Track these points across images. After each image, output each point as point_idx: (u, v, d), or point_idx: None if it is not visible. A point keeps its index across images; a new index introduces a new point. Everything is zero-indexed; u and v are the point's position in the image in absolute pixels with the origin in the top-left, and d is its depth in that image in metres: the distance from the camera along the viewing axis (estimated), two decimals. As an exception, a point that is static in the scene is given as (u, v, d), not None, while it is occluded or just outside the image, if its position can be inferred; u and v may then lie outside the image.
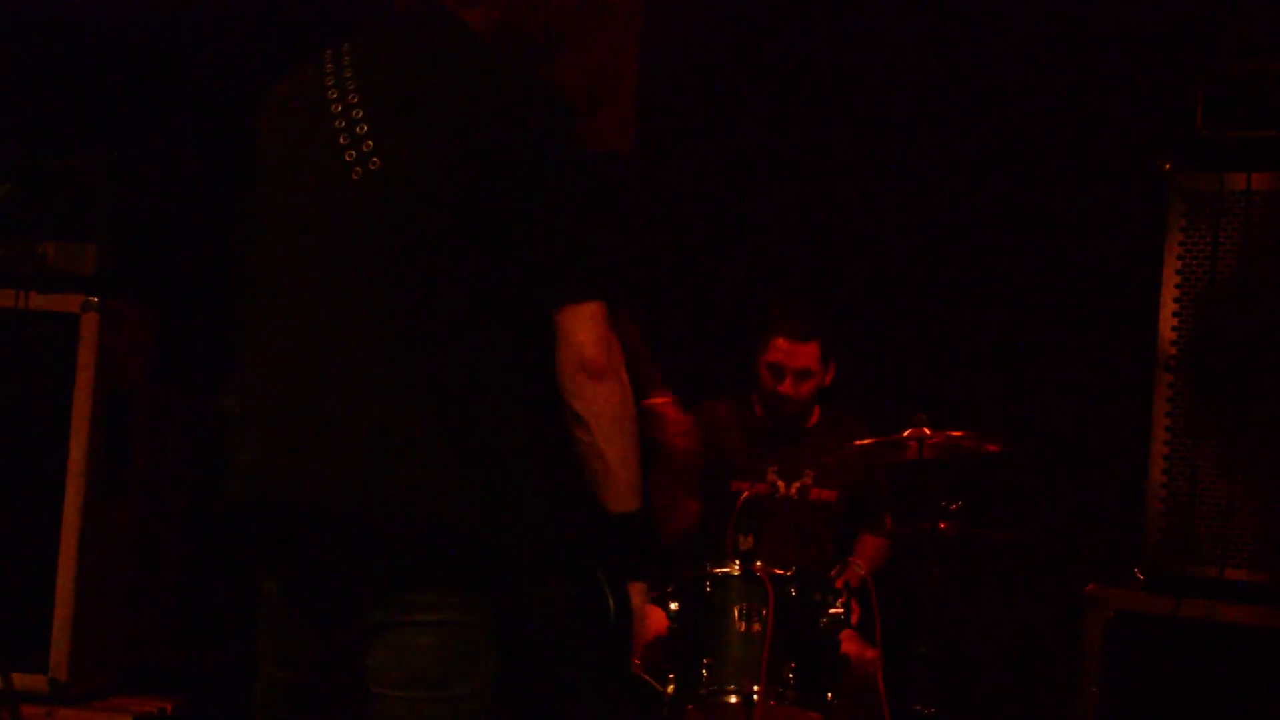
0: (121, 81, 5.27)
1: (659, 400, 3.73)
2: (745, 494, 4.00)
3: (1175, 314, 3.51)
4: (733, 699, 3.68)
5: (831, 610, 3.82)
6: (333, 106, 2.44)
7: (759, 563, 3.81)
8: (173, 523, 4.68)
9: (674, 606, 3.83)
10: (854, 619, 4.07)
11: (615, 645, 2.47)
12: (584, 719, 2.60)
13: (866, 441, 4.24)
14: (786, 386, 4.46)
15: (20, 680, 3.89)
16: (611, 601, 2.44)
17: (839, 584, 3.97)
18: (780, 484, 4.53)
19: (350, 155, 2.40)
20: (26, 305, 4.12)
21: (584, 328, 2.37)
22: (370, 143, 2.40)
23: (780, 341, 4.46)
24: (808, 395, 4.52)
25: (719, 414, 4.67)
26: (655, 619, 3.85)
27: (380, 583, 2.35)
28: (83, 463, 4.04)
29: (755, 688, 3.65)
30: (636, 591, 2.49)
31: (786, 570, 3.83)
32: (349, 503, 2.31)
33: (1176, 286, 3.51)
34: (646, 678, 3.79)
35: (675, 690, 3.75)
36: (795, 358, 4.45)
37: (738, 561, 3.81)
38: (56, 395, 4.07)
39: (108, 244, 4.21)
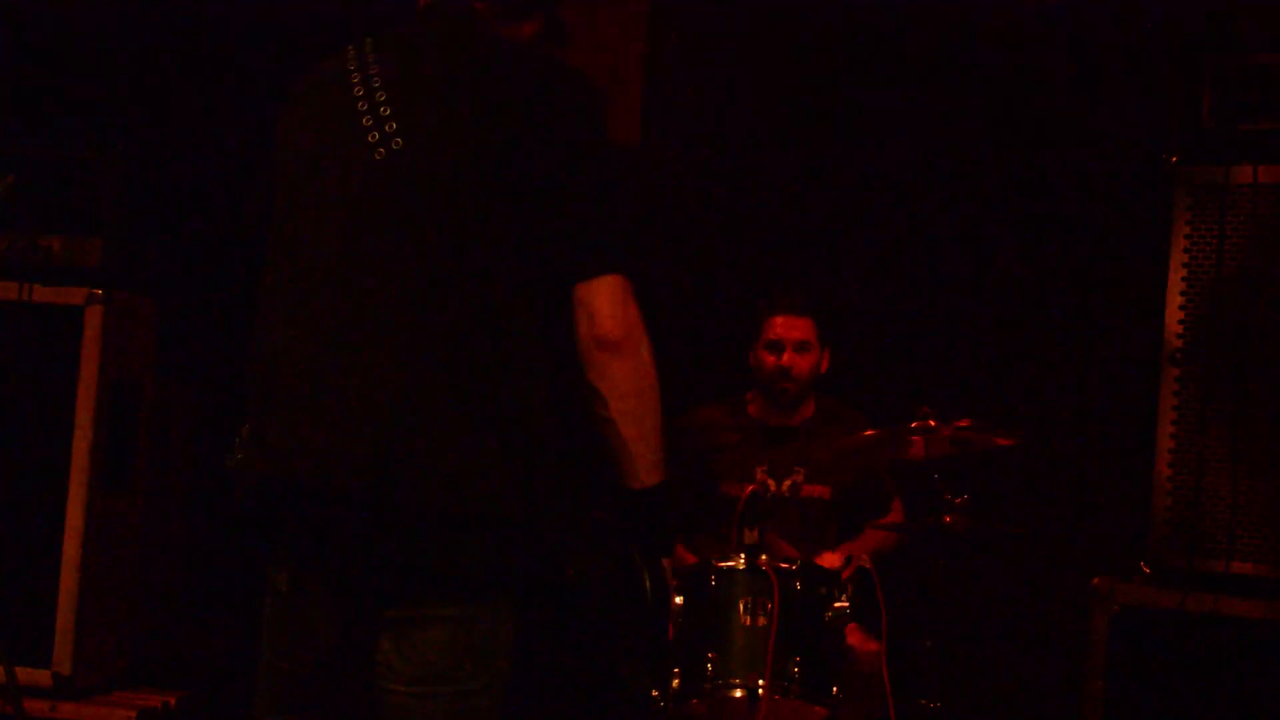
0: (129, 74, 5.27)
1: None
2: (750, 488, 3.99)
3: (1181, 307, 3.50)
4: (737, 693, 3.67)
5: (836, 604, 3.81)
6: (356, 90, 2.47)
7: (764, 556, 3.80)
8: (177, 516, 4.67)
9: (679, 600, 3.82)
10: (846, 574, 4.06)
11: (652, 622, 2.46)
12: (626, 694, 2.60)
13: (856, 439, 4.24)
14: (787, 358, 4.50)
15: (24, 674, 3.88)
16: (648, 580, 2.44)
17: (846, 573, 3.97)
18: (770, 483, 4.53)
19: (374, 136, 2.42)
20: (31, 298, 4.11)
21: (601, 300, 2.35)
22: (394, 124, 2.41)
23: (778, 318, 4.53)
24: (807, 373, 4.53)
25: (708, 417, 4.67)
26: None
27: (393, 574, 2.35)
28: (86, 456, 4.04)
29: (760, 682, 3.64)
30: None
31: (791, 564, 3.82)
32: (370, 484, 2.30)
33: (1183, 280, 3.50)
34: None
35: (680, 684, 3.74)
36: (793, 329, 4.51)
37: (743, 555, 3.80)
38: (61, 388, 4.06)
39: (114, 237, 4.20)
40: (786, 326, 4.54)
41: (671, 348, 4.89)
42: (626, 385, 2.37)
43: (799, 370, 4.52)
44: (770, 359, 4.53)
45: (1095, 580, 3.48)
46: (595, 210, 2.39)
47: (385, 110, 2.43)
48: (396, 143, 2.40)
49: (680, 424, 4.68)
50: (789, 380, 4.53)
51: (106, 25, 5.25)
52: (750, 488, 3.94)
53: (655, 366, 2.41)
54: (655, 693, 3.71)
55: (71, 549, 4.02)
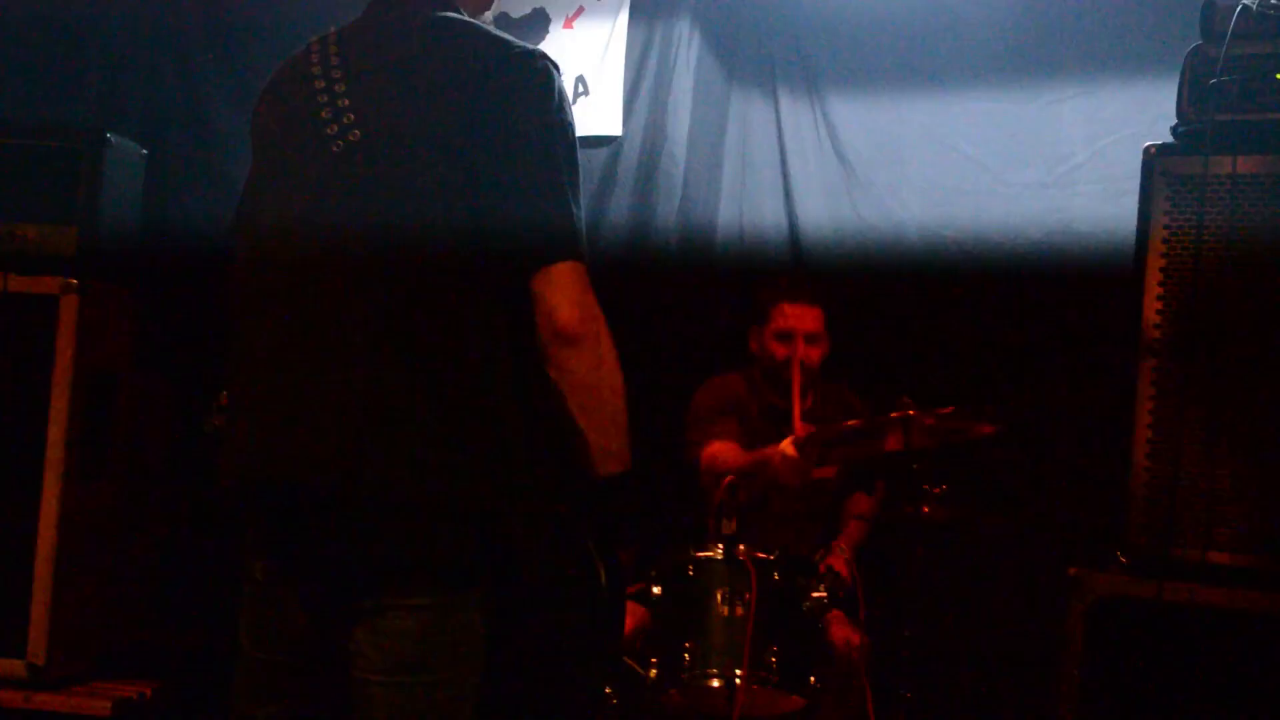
0: (107, 64, 5.26)
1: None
2: (728, 479, 3.98)
3: (1159, 297, 3.49)
4: (715, 683, 3.67)
5: (814, 594, 3.81)
6: (316, 83, 2.46)
7: (742, 546, 3.80)
8: (153, 506, 4.66)
9: (657, 590, 3.82)
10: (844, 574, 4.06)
11: (607, 616, 2.46)
12: (578, 691, 2.59)
13: (837, 427, 4.23)
14: (799, 349, 4.44)
15: (-2, 665, 3.88)
16: (603, 572, 2.43)
17: (821, 568, 3.96)
18: None
19: (332, 129, 2.41)
20: (6, 287, 4.10)
21: (557, 290, 2.34)
22: (351, 115, 2.40)
23: (788, 307, 4.46)
24: (818, 362, 4.50)
25: (735, 387, 4.62)
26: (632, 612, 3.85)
27: (366, 566, 2.34)
28: (61, 445, 4.02)
29: (738, 671, 3.64)
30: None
31: (770, 554, 3.82)
32: (340, 480, 2.30)
33: (1161, 270, 3.49)
34: (629, 661, 3.78)
35: (657, 674, 3.74)
36: (804, 320, 4.45)
37: (721, 545, 3.80)
38: (36, 377, 4.05)
39: (90, 226, 4.19)
40: (798, 316, 4.46)
41: (668, 335, 4.92)
42: (585, 378, 2.36)
43: (811, 361, 4.48)
44: (781, 349, 4.48)
45: (1072, 570, 3.48)
46: (548, 194, 2.37)
47: (344, 102, 2.42)
48: (354, 135, 2.39)
49: (712, 389, 4.63)
50: (800, 371, 4.48)
51: (85, 14, 5.23)
52: (729, 479, 3.93)
53: (616, 355, 2.40)
54: (609, 689, 3.71)
55: (46, 538, 4.01)
